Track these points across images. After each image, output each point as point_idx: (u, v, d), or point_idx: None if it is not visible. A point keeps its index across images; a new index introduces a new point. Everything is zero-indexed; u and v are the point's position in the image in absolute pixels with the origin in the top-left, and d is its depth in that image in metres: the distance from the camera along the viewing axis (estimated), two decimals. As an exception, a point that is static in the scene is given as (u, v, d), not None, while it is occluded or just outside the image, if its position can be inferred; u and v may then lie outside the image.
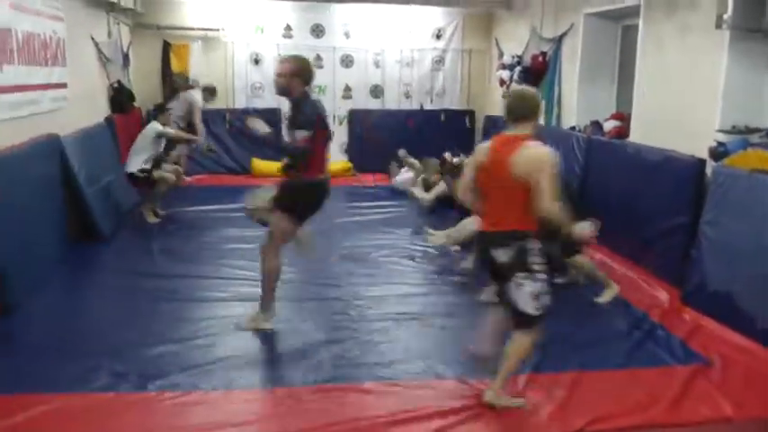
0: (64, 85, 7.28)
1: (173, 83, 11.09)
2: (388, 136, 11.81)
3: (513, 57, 10.67)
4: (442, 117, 12.37)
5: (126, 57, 10.29)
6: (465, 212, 7.79)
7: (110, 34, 9.40)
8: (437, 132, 11.64)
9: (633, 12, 7.56)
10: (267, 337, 4.87)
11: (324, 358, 4.53)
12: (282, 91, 4.84)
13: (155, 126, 8.29)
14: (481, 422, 3.80)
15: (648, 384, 4.24)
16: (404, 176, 10.58)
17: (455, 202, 7.92)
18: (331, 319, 5.24)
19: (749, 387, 4.24)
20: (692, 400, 4.06)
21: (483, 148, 3.93)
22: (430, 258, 6.97)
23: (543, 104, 9.72)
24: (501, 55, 11.36)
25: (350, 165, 12.00)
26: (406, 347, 4.75)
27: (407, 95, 12.52)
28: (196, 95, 10.45)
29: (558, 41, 9.36)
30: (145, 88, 11.15)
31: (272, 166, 11.36)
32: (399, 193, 10.20)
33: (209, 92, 10.86)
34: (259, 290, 5.08)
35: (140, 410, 3.81)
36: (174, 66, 11.44)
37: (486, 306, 5.18)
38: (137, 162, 8.06)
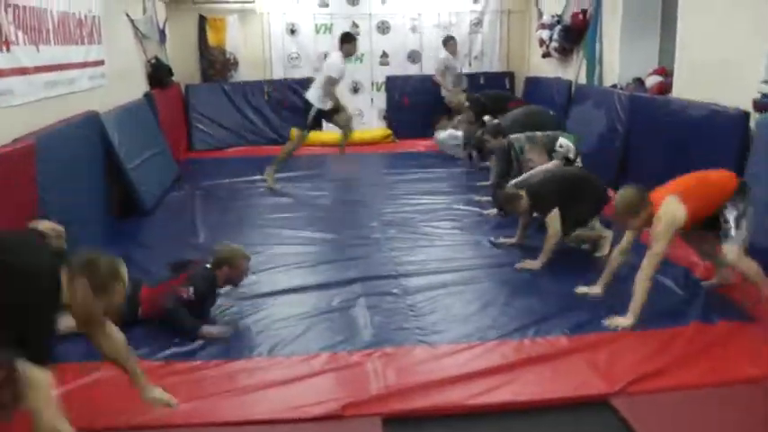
0: (101, 63, 7.34)
1: None
2: (427, 101, 11.72)
3: (552, 16, 10.53)
4: (482, 80, 12.21)
5: (162, 32, 10.35)
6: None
7: (145, 11, 9.44)
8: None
9: (674, -37, 7.36)
10: (311, 303, 4.90)
11: (366, 324, 4.54)
12: None
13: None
14: (527, 380, 3.80)
15: (693, 343, 4.16)
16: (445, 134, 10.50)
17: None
18: (372, 285, 5.24)
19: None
20: (736, 359, 3.98)
21: None
22: (474, 222, 6.93)
23: (584, 63, 9.59)
24: (540, 15, 11.20)
25: (389, 131, 11.95)
26: (447, 312, 4.73)
27: (446, 59, 12.40)
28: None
29: (598, -3, 9.17)
30: (182, 63, 11.24)
31: (311, 135, 11.43)
32: (441, 159, 10.13)
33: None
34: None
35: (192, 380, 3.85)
36: (211, 39, 11.49)
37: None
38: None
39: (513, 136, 7.53)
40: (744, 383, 3.76)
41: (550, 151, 7.22)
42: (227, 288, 4.81)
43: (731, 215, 4.50)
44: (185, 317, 4.34)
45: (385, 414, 3.48)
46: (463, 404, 3.58)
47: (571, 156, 7.05)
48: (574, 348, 4.15)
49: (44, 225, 4.09)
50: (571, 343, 4.22)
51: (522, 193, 5.80)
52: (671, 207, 4.39)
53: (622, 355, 4.04)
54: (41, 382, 2.55)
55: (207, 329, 4.36)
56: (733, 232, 4.49)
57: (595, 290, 4.91)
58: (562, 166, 6.80)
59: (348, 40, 8.84)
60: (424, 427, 3.45)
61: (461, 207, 7.54)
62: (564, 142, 7.15)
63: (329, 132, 11.62)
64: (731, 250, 4.50)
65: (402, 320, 4.59)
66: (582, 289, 4.98)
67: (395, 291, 5.12)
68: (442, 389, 3.70)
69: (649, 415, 3.46)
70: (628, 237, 4.74)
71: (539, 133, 7.44)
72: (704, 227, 4.65)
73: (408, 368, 3.93)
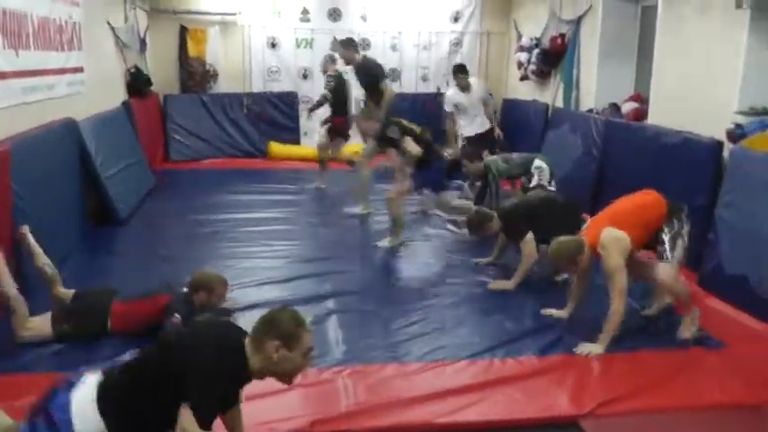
0: (81, 70, 7.31)
1: None
2: (407, 120, 11.75)
3: (531, 39, 10.63)
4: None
5: (143, 42, 10.32)
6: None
7: (126, 19, 9.42)
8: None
9: (652, -8, 7.48)
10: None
11: (337, 340, 4.54)
12: None
13: None
14: (496, 399, 3.82)
15: (662, 367, 4.22)
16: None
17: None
18: (344, 301, 5.24)
19: (763, 371, 4.19)
20: (705, 384, 4.03)
21: None
22: (448, 242, 6.97)
23: (561, 87, 9.68)
24: (519, 37, 11.29)
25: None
26: (419, 330, 4.74)
27: (425, 79, 12.47)
28: None
29: (577, 23, 9.28)
30: (162, 73, 11.20)
31: (289, 149, 11.46)
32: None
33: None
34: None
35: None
36: (192, 50, 11.47)
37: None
38: None
39: (489, 158, 7.61)
40: (711, 409, 3.81)
41: (527, 172, 7.30)
42: None
43: (666, 236, 4.60)
44: None
45: (354, 431, 3.49)
46: (433, 422, 3.60)
47: (545, 178, 7.12)
48: (544, 369, 4.18)
49: None
50: (541, 364, 4.26)
51: (494, 215, 5.84)
52: (611, 235, 4.46)
53: (592, 377, 4.09)
54: None
55: None
56: (668, 254, 4.57)
57: (561, 314, 4.95)
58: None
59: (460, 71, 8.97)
60: (393, 445, 3.46)
61: (436, 226, 7.58)
62: (539, 164, 7.23)
63: (307, 148, 11.69)
64: (665, 271, 4.58)
65: (373, 338, 4.59)
66: (548, 311, 5.03)
67: (367, 308, 5.12)
68: (411, 407, 3.71)
69: (616, 438, 3.49)
70: (575, 284, 4.89)
71: (515, 154, 7.52)
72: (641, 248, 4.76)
73: (379, 385, 3.94)
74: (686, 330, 4.65)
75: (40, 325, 4.33)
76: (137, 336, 4.29)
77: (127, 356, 2.92)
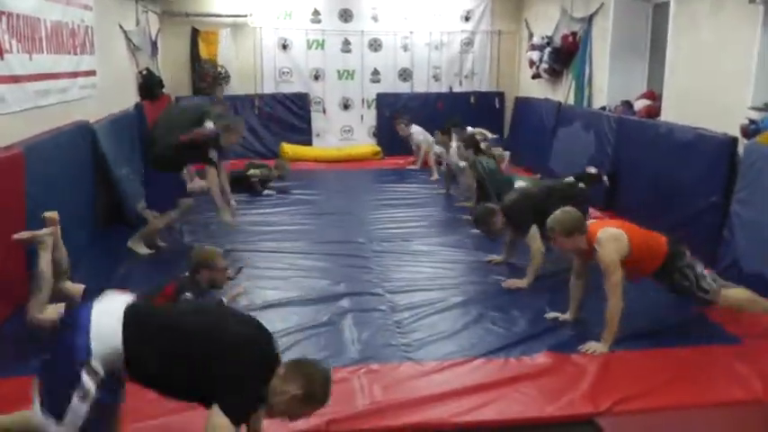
0: (93, 73, 7.34)
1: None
2: (416, 120, 11.77)
3: (542, 38, 10.60)
4: (472, 99, 12.27)
5: (154, 44, 10.35)
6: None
7: (138, 22, 9.45)
8: (467, 115, 11.48)
9: (664, -11, 7.45)
10: (297, 318, 4.90)
11: (353, 339, 4.55)
12: None
13: None
14: (512, 398, 3.81)
15: (679, 364, 4.20)
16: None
17: None
18: (359, 301, 5.25)
19: (781, 367, 4.17)
20: (721, 381, 4.01)
21: None
22: (461, 240, 6.96)
23: (573, 85, 9.66)
24: (531, 36, 11.28)
25: (378, 148, 11.98)
26: (434, 329, 4.74)
27: (436, 78, 12.45)
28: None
29: (589, 21, 9.26)
30: (174, 75, 11.24)
31: (302, 150, 11.48)
32: (429, 176, 10.16)
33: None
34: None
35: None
36: (203, 52, 11.49)
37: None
38: None
39: (482, 158, 7.75)
40: (729, 405, 3.79)
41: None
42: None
43: (687, 279, 4.59)
44: None
45: (370, 430, 3.49)
46: (448, 421, 3.59)
47: None
48: (559, 367, 4.18)
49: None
50: (556, 362, 4.24)
51: (497, 209, 5.84)
52: (609, 232, 4.46)
53: (608, 375, 4.06)
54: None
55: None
56: (705, 285, 4.58)
57: (565, 317, 4.92)
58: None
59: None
60: (410, 444, 3.46)
61: (449, 224, 7.59)
62: (521, 185, 7.22)
63: (319, 149, 11.73)
64: (734, 294, 4.64)
65: (389, 337, 4.60)
66: (552, 314, 4.98)
67: (382, 307, 5.13)
68: (427, 406, 3.71)
69: (634, 436, 3.48)
70: (576, 261, 4.82)
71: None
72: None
73: (394, 385, 3.94)
74: None
75: (52, 315, 4.35)
76: None
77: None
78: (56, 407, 2.68)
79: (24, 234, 4.56)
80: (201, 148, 6.28)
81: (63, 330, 2.85)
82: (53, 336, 2.87)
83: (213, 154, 6.30)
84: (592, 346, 4.38)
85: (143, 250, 6.32)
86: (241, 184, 8.76)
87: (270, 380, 2.82)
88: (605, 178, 7.68)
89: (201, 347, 2.80)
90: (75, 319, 2.81)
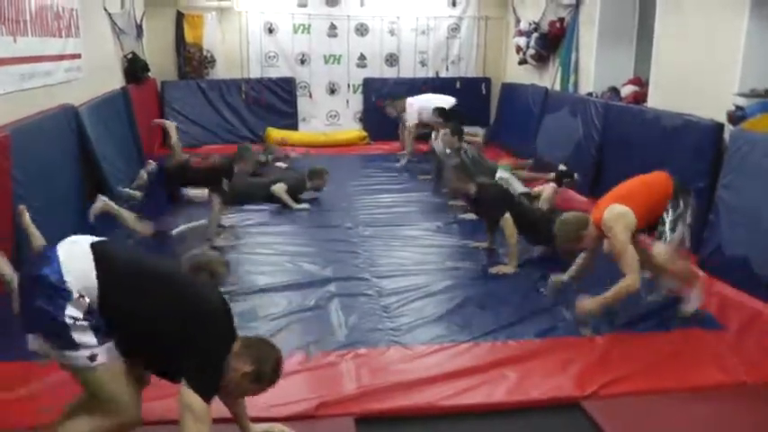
0: (78, 56, 7.28)
1: None
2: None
3: (530, 23, 10.60)
4: (458, 85, 12.23)
5: (139, 28, 10.28)
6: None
7: (123, 5, 9.38)
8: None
9: (652, -25, 7.45)
10: (284, 303, 4.89)
11: (340, 324, 4.56)
12: None
13: None
14: (499, 382, 3.83)
15: (664, 349, 4.23)
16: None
17: None
18: (346, 285, 5.26)
19: (764, 351, 4.21)
20: (705, 365, 4.05)
21: None
22: (448, 226, 6.96)
23: (560, 70, 9.67)
24: (518, 22, 11.26)
25: (364, 133, 11.96)
26: (421, 313, 4.76)
27: (423, 63, 12.43)
28: None
29: (576, 7, 9.26)
30: (159, 59, 11.16)
31: (288, 135, 11.44)
32: (416, 161, 10.13)
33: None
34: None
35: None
36: (189, 36, 11.42)
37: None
38: None
39: (464, 145, 7.97)
40: (713, 389, 3.82)
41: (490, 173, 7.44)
42: None
43: (667, 218, 4.61)
44: None
45: (358, 414, 3.50)
46: (436, 405, 3.61)
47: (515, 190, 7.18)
48: (545, 352, 4.20)
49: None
50: (542, 346, 4.27)
51: (474, 178, 5.98)
52: (614, 212, 4.46)
53: (593, 359, 4.09)
54: (202, 413, 2.66)
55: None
56: (668, 235, 4.59)
57: (561, 277, 5.01)
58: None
59: None
60: (397, 428, 3.47)
61: (436, 210, 7.60)
62: (503, 175, 7.41)
63: (305, 133, 11.70)
64: (659, 250, 4.59)
65: (376, 321, 4.61)
66: (556, 277, 5.05)
67: (369, 292, 5.14)
68: (415, 389, 3.73)
69: (620, 418, 3.51)
70: (584, 255, 4.88)
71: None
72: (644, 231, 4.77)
73: (382, 369, 3.95)
74: (690, 304, 4.67)
75: None
76: None
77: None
78: (62, 338, 2.65)
79: None
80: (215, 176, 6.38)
81: (32, 269, 2.76)
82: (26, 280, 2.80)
83: (225, 184, 6.34)
84: (584, 303, 4.43)
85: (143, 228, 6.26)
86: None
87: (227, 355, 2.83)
88: (576, 175, 7.79)
89: (175, 296, 2.80)
90: (44, 257, 2.75)
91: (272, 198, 7.65)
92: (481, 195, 5.91)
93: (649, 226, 4.70)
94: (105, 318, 2.69)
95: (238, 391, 2.93)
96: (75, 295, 2.63)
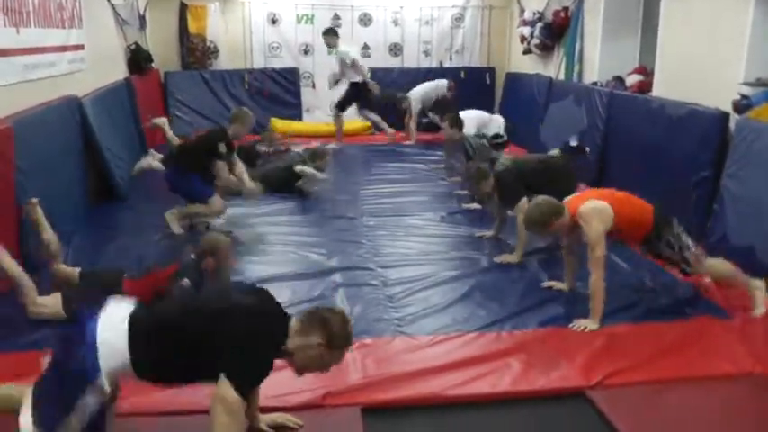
0: (81, 47, 7.28)
1: None
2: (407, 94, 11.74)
3: (534, 13, 10.57)
4: (462, 74, 12.21)
5: (143, 19, 10.26)
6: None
7: (126, -5, 9.37)
8: (457, 90, 11.45)
9: (657, -37, 7.41)
10: (289, 293, 4.88)
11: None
12: None
13: None
14: (504, 372, 3.83)
15: (670, 338, 4.22)
16: None
17: None
18: (351, 275, 5.26)
19: (770, 341, 4.20)
20: (711, 354, 4.04)
21: None
22: (453, 215, 6.97)
23: (564, 60, 9.64)
24: (522, 11, 11.23)
25: (368, 123, 11.93)
26: (426, 303, 4.75)
27: (427, 53, 12.41)
28: None
29: (581, -5, 9.22)
30: (162, 50, 11.16)
31: (291, 125, 11.43)
32: (420, 151, 10.14)
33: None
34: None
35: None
36: (192, 27, 11.41)
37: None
38: None
39: (467, 133, 7.92)
40: (718, 379, 3.81)
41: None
42: None
43: (672, 249, 4.62)
44: None
45: (364, 404, 3.50)
46: (442, 395, 3.61)
47: None
48: (550, 341, 4.20)
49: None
50: (547, 336, 4.27)
51: (490, 174, 5.87)
52: (591, 205, 4.45)
53: (598, 349, 4.08)
54: (235, 406, 2.67)
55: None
56: (690, 261, 4.63)
57: (562, 286, 4.97)
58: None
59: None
60: (403, 417, 3.47)
61: (440, 200, 7.59)
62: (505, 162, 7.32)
63: (309, 124, 11.69)
64: (714, 262, 4.67)
65: (381, 311, 4.61)
66: (548, 283, 5.05)
67: (374, 282, 5.13)
68: (420, 379, 3.72)
69: (625, 408, 3.50)
70: (564, 239, 4.90)
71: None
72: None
73: (387, 358, 3.95)
74: (758, 308, 4.60)
75: (53, 304, 4.33)
76: None
77: None
78: (50, 421, 2.67)
79: None
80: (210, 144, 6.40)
81: (69, 347, 2.79)
82: (57, 350, 2.83)
83: (222, 147, 6.33)
84: (582, 323, 4.39)
85: (176, 228, 6.26)
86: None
87: (282, 342, 2.83)
88: (587, 149, 7.72)
89: (205, 326, 2.80)
90: (82, 336, 2.76)
91: (294, 179, 7.67)
92: (499, 183, 5.86)
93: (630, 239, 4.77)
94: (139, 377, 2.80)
95: (319, 365, 2.91)
96: (103, 386, 2.70)
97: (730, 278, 4.72)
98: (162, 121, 8.70)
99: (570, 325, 4.40)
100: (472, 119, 8.41)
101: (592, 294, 4.41)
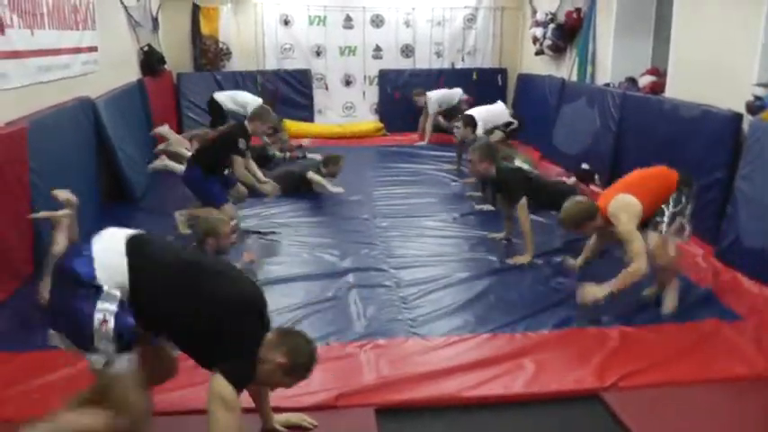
0: (95, 49, 7.32)
1: None
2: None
3: (546, 14, 10.53)
4: (474, 76, 12.21)
5: (155, 20, 10.30)
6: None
7: (139, -2, 9.41)
8: (469, 91, 11.43)
9: (670, -36, 7.38)
10: (302, 294, 4.91)
11: (359, 315, 4.57)
12: None
13: None
14: (518, 373, 3.82)
15: (683, 340, 4.21)
16: None
17: None
18: (365, 276, 5.27)
19: (783, 343, 4.18)
20: (724, 357, 4.03)
21: None
22: (466, 217, 6.96)
23: (576, 61, 9.62)
24: (534, 12, 11.20)
25: (381, 125, 11.96)
26: (439, 304, 4.75)
27: (439, 55, 12.39)
28: None
29: (593, -4, 9.20)
30: (175, 52, 11.18)
31: (304, 126, 11.45)
32: (432, 153, 10.15)
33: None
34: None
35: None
36: (204, 28, 11.44)
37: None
38: None
39: (480, 134, 8.16)
40: (731, 381, 3.80)
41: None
42: None
43: (667, 210, 4.59)
44: None
45: (378, 405, 3.51)
46: (456, 396, 3.61)
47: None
48: (564, 343, 4.19)
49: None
50: (561, 337, 4.27)
51: (492, 158, 5.90)
52: (620, 201, 4.48)
53: (612, 351, 4.07)
54: (232, 402, 2.65)
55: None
56: (663, 227, 4.57)
57: (574, 263, 5.15)
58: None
59: None
60: (417, 418, 3.48)
61: (453, 201, 7.59)
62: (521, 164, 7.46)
63: (321, 125, 11.70)
64: (652, 239, 4.55)
65: (395, 312, 4.62)
66: (567, 260, 5.25)
67: (387, 283, 5.14)
68: (434, 380, 3.73)
69: (639, 410, 3.49)
70: (594, 239, 4.98)
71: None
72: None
73: (401, 360, 3.95)
74: (664, 305, 4.64)
75: None
76: None
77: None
78: (84, 339, 2.61)
79: (42, 214, 4.57)
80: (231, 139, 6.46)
81: (65, 262, 2.74)
82: (56, 274, 2.78)
83: (242, 143, 6.40)
84: (591, 289, 4.42)
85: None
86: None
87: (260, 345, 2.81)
88: (597, 176, 7.79)
89: (209, 288, 2.77)
90: (77, 251, 2.74)
91: (303, 186, 7.68)
92: (500, 178, 5.89)
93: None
94: (136, 309, 2.68)
95: (270, 382, 2.91)
96: (106, 289, 2.61)
97: (668, 266, 4.66)
98: (164, 129, 8.71)
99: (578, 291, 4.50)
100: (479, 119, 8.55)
101: (624, 275, 4.38)
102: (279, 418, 3.24)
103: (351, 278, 5.20)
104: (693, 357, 4.01)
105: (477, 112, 8.83)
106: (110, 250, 2.70)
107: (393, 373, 3.78)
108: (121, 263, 2.67)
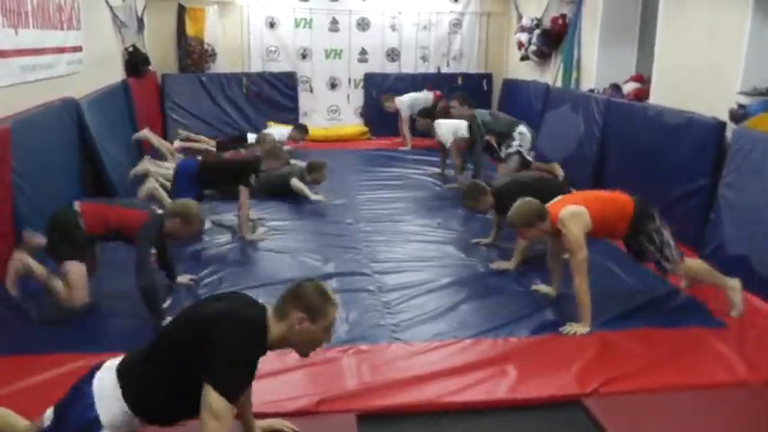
0: (79, 49, 7.27)
1: None
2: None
3: (532, 20, 10.57)
4: (460, 80, 12.22)
5: (140, 21, 10.25)
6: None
7: (124, -3, 9.36)
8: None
9: (655, -29, 7.43)
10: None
11: (341, 320, 4.51)
12: None
13: None
14: (500, 379, 3.83)
15: (665, 346, 4.23)
16: None
17: None
18: (347, 281, 5.26)
19: (765, 351, 4.20)
20: (707, 363, 4.05)
21: None
22: (450, 221, 6.96)
23: (561, 67, 9.66)
24: (520, 18, 11.24)
25: (365, 128, 11.96)
26: (422, 310, 4.75)
27: (424, 59, 12.40)
28: None
29: (579, 3, 9.24)
30: (160, 52, 11.13)
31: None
32: (417, 156, 10.16)
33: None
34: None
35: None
36: (190, 30, 11.39)
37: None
38: None
39: (477, 111, 8.24)
40: (713, 388, 3.82)
41: (509, 134, 7.85)
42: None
43: (652, 247, 4.65)
44: (159, 299, 4.44)
45: (359, 410, 3.50)
46: (437, 402, 3.61)
47: (525, 144, 7.76)
48: (546, 349, 4.20)
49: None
50: (543, 343, 4.27)
51: (488, 189, 5.81)
52: (570, 210, 4.49)
53: (594, 357, 4.08)
54: (224, 415, 2.61)
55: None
56: (668, 253, 4.66)
57: (549, 290, 5.03)
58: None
59: None
60: (399, 424, 3.47)
61: (437, 206, 7.58)
62: (523, 130, 7.81)
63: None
64: (692, 264, 4.73)
65: (377, 317, 4.61)
66: (537, 286, 5.13)
67: (370, 288, 5.13)
68: (416, 386, 3.73)
69: (621, 416, 3.51)
70: (549, 243, 4.93)
71: (502, 114, 8.40)
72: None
73: (383, 365, 3.95)
74: (735, 309, 4.69)
75: (81, 285, 4.51)
76: (112, 240, 4.69)
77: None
78: None
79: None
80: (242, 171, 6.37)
81: (68, 408, 2.77)
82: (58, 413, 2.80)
83: (253, 180, 6.33)
84: (573, 328, 4.41)
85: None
86: None
87: (265, 336, 2.77)
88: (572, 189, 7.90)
89: (184, 337, 2.76)
90: (81, 394, 2.77)
91: (287, 191, 7.64)
92: (497, 198, 5.79)
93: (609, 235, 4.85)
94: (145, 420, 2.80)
95: (314, 339, 2.83)
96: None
97: (706, 278, 4.79)
98: (143, 134, 8.68)
99: (560, 329, 4.41)
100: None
101: (578, 298, 4.43)
102: (261, 424, 3.22)
103: (334, 283, 5.16)
104: (676, 364, 4.03)
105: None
106: (108, 388, 2.76)
107: (375, 379, 3.77)
108: (116, 395, 2.74)
